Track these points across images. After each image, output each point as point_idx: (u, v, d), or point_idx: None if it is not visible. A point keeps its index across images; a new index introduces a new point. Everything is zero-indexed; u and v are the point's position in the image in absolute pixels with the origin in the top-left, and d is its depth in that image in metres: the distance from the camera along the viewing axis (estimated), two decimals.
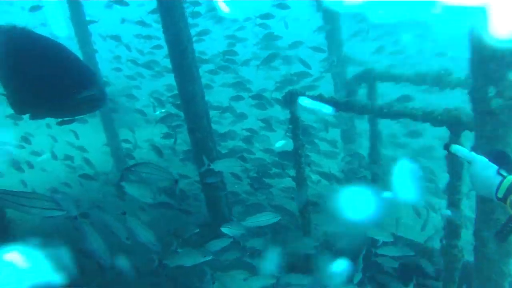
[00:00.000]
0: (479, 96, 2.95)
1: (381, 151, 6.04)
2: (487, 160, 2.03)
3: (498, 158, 2.05)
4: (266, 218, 4.26)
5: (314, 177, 7.86)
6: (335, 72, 8.36)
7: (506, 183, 1.87)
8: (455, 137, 3.43)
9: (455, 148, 2.19)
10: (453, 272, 3.75)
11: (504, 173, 1.92)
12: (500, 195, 1.88)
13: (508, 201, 1.84)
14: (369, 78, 5.80)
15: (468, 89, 3.08)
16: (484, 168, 2.00)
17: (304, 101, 4.44)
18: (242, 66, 9.65)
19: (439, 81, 4.99)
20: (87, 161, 8.61)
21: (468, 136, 3.40)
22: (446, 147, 2.24)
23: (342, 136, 8.57)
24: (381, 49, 11.46)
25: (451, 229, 3.63)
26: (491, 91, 2.91)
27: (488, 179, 1.95)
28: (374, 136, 5.95)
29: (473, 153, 2.11)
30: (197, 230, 4.68)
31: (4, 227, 2.99)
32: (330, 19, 8.23)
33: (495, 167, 1.97)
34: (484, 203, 3.36)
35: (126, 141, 9.35)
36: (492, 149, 2.92)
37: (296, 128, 5.07)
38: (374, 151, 5.99)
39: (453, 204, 3.59)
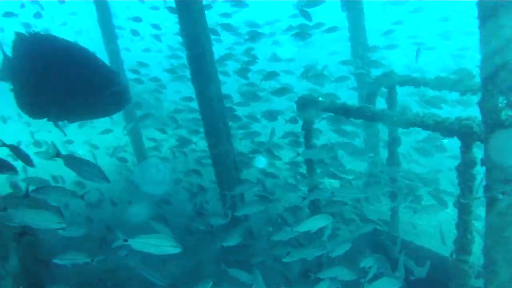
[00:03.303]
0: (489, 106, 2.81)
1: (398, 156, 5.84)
2: None
3: None
4: None
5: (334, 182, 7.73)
6: (359, 75, 8.20)
7: None
8: (466, 148, 3.28)
9: None
10: None
11: None
12: None
13: None
14: (388, 82, 5.63)
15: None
16: None
17: None
18: None
19: (460, 86, 4.78)
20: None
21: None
22: None
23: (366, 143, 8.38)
24: None
25: (462, 243, 3.48)
26: (501, 101, 2.77)
27: None
28: (393, 142, 5.77)
29: None
30: None
31: None
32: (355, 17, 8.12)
33: None
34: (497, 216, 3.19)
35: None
36: None
37: (309, 134, 5.03)
38: (393, 157, 5.81)
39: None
